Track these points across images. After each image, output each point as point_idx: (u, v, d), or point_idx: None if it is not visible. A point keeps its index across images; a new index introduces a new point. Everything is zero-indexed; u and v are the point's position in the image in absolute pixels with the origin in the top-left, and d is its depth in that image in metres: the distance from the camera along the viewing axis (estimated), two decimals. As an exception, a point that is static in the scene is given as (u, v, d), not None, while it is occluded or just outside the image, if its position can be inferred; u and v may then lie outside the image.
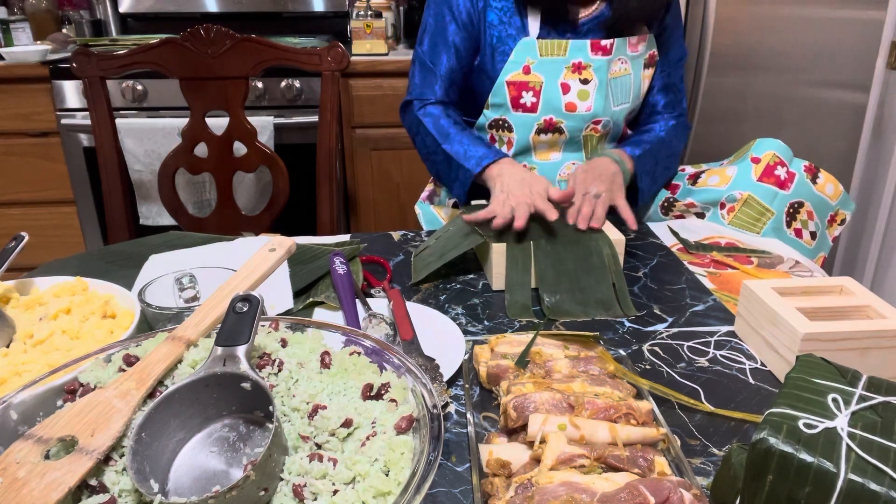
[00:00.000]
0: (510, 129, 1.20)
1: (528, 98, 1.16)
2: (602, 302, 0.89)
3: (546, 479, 0.51)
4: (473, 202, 1.11)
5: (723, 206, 1.16)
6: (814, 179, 1.15)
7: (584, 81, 1.16)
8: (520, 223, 0.96)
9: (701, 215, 1.20)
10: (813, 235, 1.15)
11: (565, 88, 1.16)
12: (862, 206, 2.04)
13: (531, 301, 0.90)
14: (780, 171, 1.14)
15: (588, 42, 1.14)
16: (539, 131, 1.18)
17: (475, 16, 1.17)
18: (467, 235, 0.99)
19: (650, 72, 1.23)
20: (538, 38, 1.14)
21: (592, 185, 1.05)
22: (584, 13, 1.16)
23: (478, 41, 1.19)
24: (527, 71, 1.15)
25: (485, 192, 1.11)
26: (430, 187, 1.40)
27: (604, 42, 1.14)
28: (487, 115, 1.21)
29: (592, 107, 1.17)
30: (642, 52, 1.19)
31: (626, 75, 1.19)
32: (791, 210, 1.13)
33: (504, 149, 1.22)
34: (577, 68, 1.15)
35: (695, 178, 1.23)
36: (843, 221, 1.20)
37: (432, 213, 1.36)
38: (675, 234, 1.12)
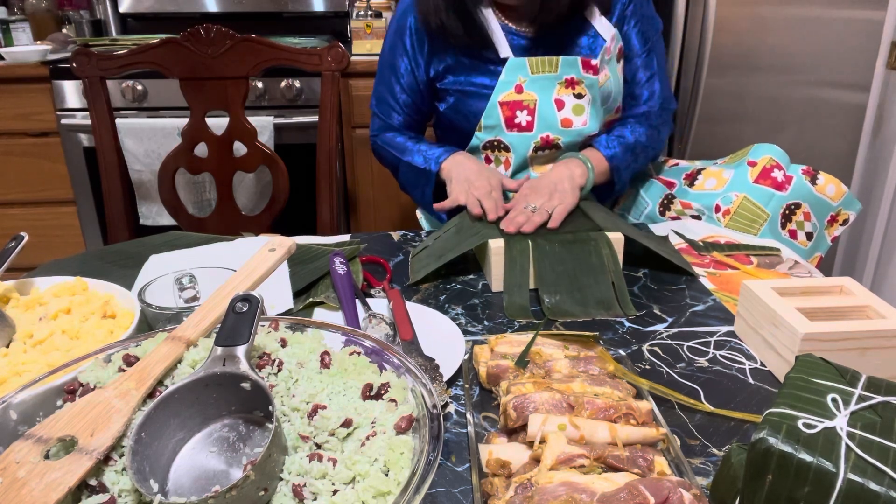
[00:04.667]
0: (507, 150, 1.20)
1: (522, 117, 1.16)
2: (602, 302, 0.89)
3: (546, 479, 0.51)
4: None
5: (718, 209, 1.16)
6: (813, 181, 1.15)
7: (579, 96, 1.16)
8: (493, 216, 1.02)
9: (696, 218, 1.20)
10: (809, 236, 1.15)
11: (559, 104, 1.16)
12: (862, 207, 2.03)
13: (529, 302, 0.90)
14: (778, 174, 1.14)
15: (579, 59, 1.15)
16: (536, 149, 1.19)
17: (419, 76, 1.22)
18: (467, 236, 1.00)
19: (622, 63, 1.23)
20: (526, 55, 1.15)
21: (531, 201, 1.04)
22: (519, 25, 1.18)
23: (429, 95, 1.25)
24: (519, 90, 1.15)
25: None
26: None
27: (593, 62, 1.15)
28: (480, 137, 1.20)
29: (588, 122, 1.17)
30: (614, 52, 1.20)
31: (608, 80, 1.20)
32: (786, 212, 1.13)
33: (501, 168, 1.22)
34: (571, 84, 1.16)
35: (692, 179, 1.23)
36: (845, 222, 1.20)
37: (435, 218, 1.36)
38: (680, 235, 1.12)
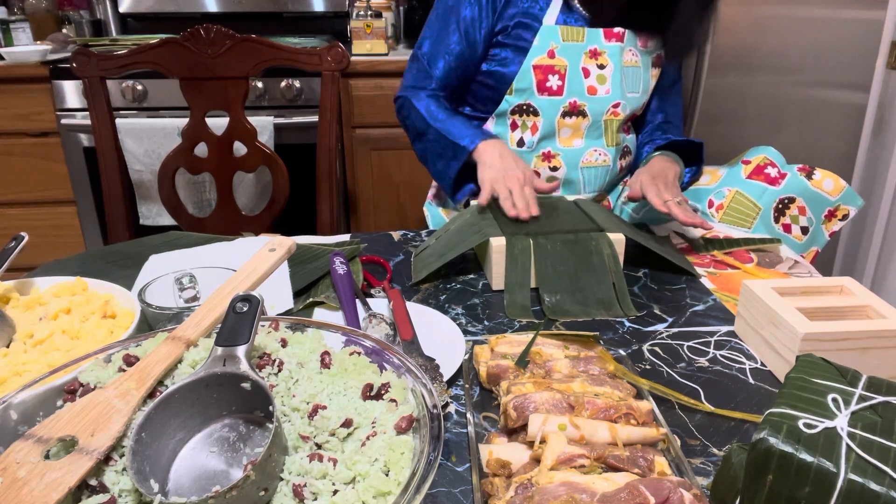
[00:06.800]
0: (535, 114, 1.21)
1: (554, 81, 1.19)
2: (602, 302, 0.89)
3: (546, 479, 0.51)
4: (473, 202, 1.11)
5: (711, 204, 1.17)
6: (809, 176, 1.16)
7: (601, 66, 1.20)
8: (525, 214, 1.00)
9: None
10: (804, 231, 1.16)
11: (585, 73, 1.20)
12: (864, 202, 2.04)
13: (530, 301, 0.90)
14: (771, 171, 1.15)
15: (601, 30, 1.19)
16: (564, 114, 1.21)
17: (481, 30, 1.20)
18: (468, 235, 0.99)
19: (656, 71, 1.27)
20: (557, 22, 1.19)
21: (667, 194, 1.07)
22: None
23: (477, 58, 1.23)
24: (552, 55, 1.18)
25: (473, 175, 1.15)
26: (436, 185, 1.40)
27: (616, 29, 1.20)
28: (510, 101, 1.22)
29: (611, 90, 1.21)
30: (651, 49, 1.24)
31: (636, 66, 1.24)
32: (780, 206, 1.14)
33: (528, 133, 1.24)
34: (594, 54, 1.20)
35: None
36: (844, 217, 1.20)
37: (441, 216, 1.37)
38: (681, 235, 1.12)
